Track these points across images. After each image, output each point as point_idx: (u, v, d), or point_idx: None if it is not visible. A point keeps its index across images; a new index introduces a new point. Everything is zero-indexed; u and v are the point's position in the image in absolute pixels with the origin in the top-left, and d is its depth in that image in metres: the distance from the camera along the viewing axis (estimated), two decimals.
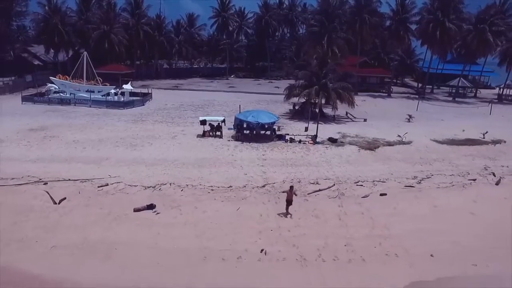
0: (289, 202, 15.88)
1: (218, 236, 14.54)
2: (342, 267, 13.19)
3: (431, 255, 14.09)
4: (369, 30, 50.81)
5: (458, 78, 58.38)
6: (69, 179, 18.70)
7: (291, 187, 16.34)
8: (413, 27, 53.79)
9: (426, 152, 25.31)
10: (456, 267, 13.52)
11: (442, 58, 63.50)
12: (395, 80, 74.14)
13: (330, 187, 18.85)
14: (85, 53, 39.27)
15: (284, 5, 76.90)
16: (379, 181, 20.01)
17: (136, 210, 16.04)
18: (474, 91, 61.38)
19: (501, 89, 57.65)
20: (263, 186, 18.73)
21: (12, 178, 18.63)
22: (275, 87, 56.78)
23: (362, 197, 18.08)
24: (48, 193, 17.18)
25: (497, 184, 20.75)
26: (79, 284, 12.09)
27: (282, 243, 14.33)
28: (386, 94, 56.20)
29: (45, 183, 18.22)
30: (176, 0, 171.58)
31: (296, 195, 16.37)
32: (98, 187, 18.02)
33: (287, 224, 15.53)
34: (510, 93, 58.77)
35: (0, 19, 49.15)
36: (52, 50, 58.69)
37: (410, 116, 36.22)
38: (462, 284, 12.69)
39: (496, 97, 57.27)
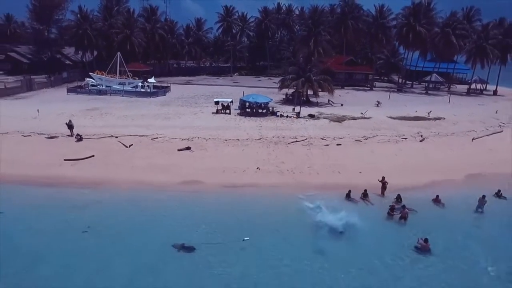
0: None
1: (231, 162, 24.29)
2: (304, 176, 22.95)
3: (360, 172, 23.77)
4: (352, 33, 60.74)
5: (432, 74, 68.20)
6: (131, 135, 28.55)
7: None
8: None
9: (379, 124, 35.04)
10: (372, 179, 23.05)
11: (423, 57, 73.58)
12: (383, 77, 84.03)
13: (304, 139, 28.64)
14: (119, 53, 49.35)
15: (282, 10, 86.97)
16: (338, 138, 29.74)
17: (179, 150, 25.88)
18: (448, 86, 70.93)
19: (469, 84, 67.30)
20: (259, 139, 28.60)
21: (93, 135, 28.54)
22: (273, 82, 66.40)
23: (324, 145, 27.86)
24: (121, 142, 27.06)
25: (421, 141, 30.40)
26: (150, 181, 21.71)
27: (269, 166, 24.11)
28: (369, 88, 65.88)
29: (116, 137, 28.08)
30: (178, 1, 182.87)
31: None
32: (151, 139, 27.93)
33: (273, 157, 25.32)
34: (477, 87, 68.60)
35: (42, 26, 59.12)
36: (80, 52, 68.88)
37: (378, 102, 45.95)
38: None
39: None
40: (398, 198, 19.88)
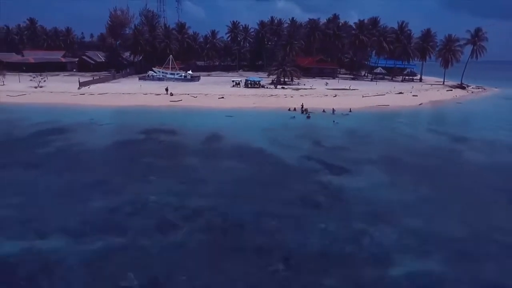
0: None
1: (242, 102, 58.69)
2: (273, 105, 57.25)
3: (297, 105, 57.95)
4: (319, 42, 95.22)
5: (377, 68, 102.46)
6: (194, 93, 62.96)
7: None
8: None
9: (318, 91, 69.20)
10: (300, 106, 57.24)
11: (377, 57, 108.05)
12: (352, 72, 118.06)
13: (275, 95, 62.99)
14: (171, 56, 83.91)
15: (274, 22, 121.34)
16: (292, 95, 64.01)
17: (219, 98, 60.29)
18: (391, 76, 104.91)
19: (403, 75, 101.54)
20: (255, 95, 63.17)
21: (176, 93, 63.02)
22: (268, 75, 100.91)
23: (284, 97, 62.22)
24: (191, 95, 61.58)
25: (334, 97, 64.49)
26: (209, 107, 56.02)
27: (259, 103, 58.43)
28: (333, 78, 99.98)
29: (188, 94, 62.56)
30: (180, 3, 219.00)
31: None
32: (205, 95, 62.51)
33: (261, 101, 59.65)
34: (409, 77, 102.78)
35: (112, 38, 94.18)
36: (132, 55, 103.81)
37: (326, 83, 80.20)
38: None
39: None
40: (306, 110, 54.01)
